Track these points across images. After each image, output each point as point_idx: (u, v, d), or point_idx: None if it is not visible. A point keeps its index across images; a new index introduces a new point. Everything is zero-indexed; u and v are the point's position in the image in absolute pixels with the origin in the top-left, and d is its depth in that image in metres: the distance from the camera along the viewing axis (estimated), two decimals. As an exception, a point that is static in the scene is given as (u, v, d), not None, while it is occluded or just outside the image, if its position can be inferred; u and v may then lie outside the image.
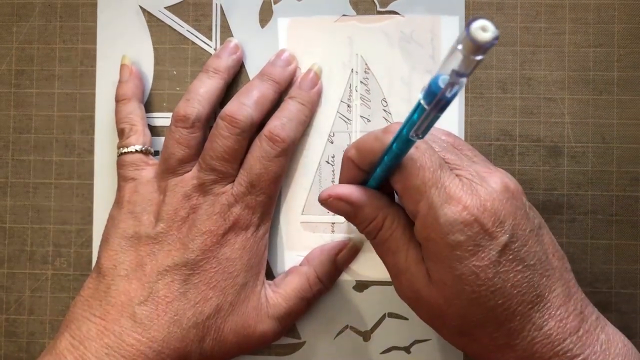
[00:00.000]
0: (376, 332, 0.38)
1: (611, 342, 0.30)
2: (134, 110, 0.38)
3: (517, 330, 0.30)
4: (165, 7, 0.40)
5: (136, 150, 0.37)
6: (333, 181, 0.39)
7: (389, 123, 0.38)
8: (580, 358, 0.29)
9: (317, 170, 0.39)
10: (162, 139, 0.39)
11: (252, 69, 0.39)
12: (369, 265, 0.38)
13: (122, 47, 0.40)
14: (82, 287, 0.35)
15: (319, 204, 0.38)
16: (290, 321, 0.37)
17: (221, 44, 0.39)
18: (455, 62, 0.24)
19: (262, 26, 0.39)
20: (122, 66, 0.39)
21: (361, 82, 0.39)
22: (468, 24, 0.22)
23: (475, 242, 0.29)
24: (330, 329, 0.38)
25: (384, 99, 0.39)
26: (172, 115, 0.36)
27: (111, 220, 0.36)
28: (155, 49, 0.40)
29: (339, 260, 0.38)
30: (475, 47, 0.23)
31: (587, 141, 0.38)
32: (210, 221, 0.35)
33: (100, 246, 0.36)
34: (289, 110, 0.37)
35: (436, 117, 0.26)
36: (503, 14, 0.38)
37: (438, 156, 0.30)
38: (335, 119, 0.39)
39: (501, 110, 0.38)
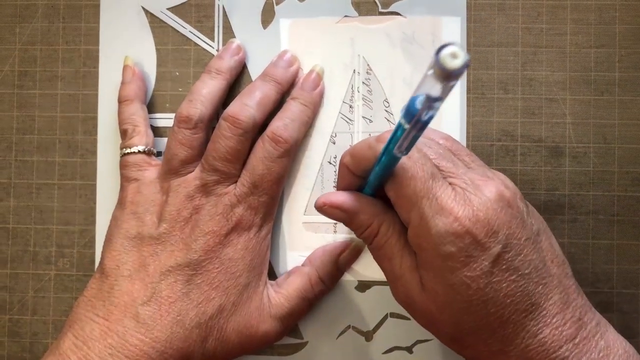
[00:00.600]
0: (378, 332, 0.38)
1: (611, 348, 0.30)
2: (136, 111, 0.38)
3: (511, 337, 0.30)
4: (167, 8, 0.40)
5: (139, 151, 0.37)
6: (335, 182, 0.39)
7: (391, 124, 0.39)
8: None
9: (319, 171, 0.39)
10: (165, 139, 0.39)
11: (255, 70, 0.39)
12: (371, 266, 0.38)
13: (125, 48, 0.40)
14: (85, 288, 0.35)
15: (321, 205, 0.38)
16: (293, 321, 0.37)
17: (223, 45, 0.39)
18: (428, 86, 0.24)
19: (265, 27, 0.39)
20: (125, 67, 0.39)
21: (363, 82, 0.39)
22: (438, 50, 0.22)
23: (467, 253, 0.29)
24: (332, 329, 0.39)
25: (385, 100, 0.39)
26: (175, 116, 0.36)
27: (114, 220, 0.36)
28: (157, 50, 0.40)
29: (341, 260, 0.38)
30: (445, 74, 0.22)
31: (588, 141, 0.38)
32: (213, 222, 0.35)
33: (103, 247, 0.36)
34: (292, 111, 0.37)
35: (417, 136, 0.27)
36: (504, 15, 0.38)
37: (431, 165, 0.30)
38: (338, 119, 0.39)
39: (503, 111, 0.38)
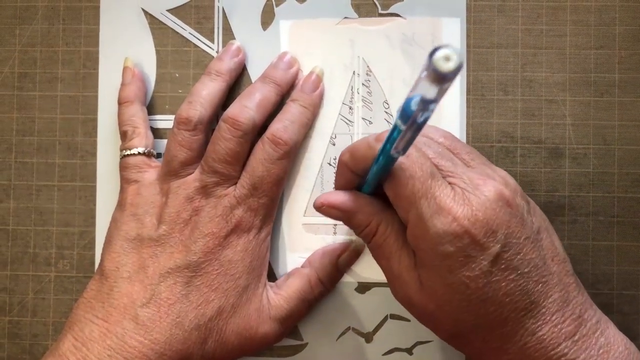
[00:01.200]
0: (378, 333, 0.38)
1: (611, 345, 0.30)
2: (136, 113, 0.38)
3: (510, 335, 0.30)
4: (167, 10, 0.40)
5: (139, 153, 0.37)
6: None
7: (390, 125, 0.38)
8: None
9: (319, 172, 0.39)
10: (165, 141, 0.39)
11: (254, 72, 0.39)
12: (371, 267, 0.38)
13: (125, 50, 0.40)
14: (84, 289, 0.35)
15: (321, 206, 0.38)
16: (292, 323, 0.37)
17: (223, 46, 0.39)
18: (423, 89, 0.24)
19: (264, 29, 0.39)
20: (125, 69, 0.39)
21: (363, 84, 0.39)
22: (431, 53, 0.22)
23: (465, 253, 0.29)
24: (332, 330, 0.39)
25: (385, 101, 0.39)
26: (175, 118, 0.36)
27: (114, 222, 0.36)
28: (157, 52, 0.40)
29: (341, 262, 0.38)
30: (439, 77, 0.22)
31: (588, 143, 0.38)
32: (212, 223, 0.35)
33: (103, 248, 0.36)
34: (291, 113, 0.37)
35: (414, 136, 0.27)
36: (504, 16, 0.38)
37: (430, 164, 0.30)
38: (337, 121, 0.39)
39: (502, 112, 0.38)
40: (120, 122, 0.38)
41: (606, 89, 0.38)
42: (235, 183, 0.36)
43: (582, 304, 0.31)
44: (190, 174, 0.36)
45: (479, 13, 0.38)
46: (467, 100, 0.38)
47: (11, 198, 0.40)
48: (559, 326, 0.30)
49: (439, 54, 0.22)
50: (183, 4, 0.40)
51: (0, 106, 0.40)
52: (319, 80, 0.38)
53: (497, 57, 0.38)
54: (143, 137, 0.38)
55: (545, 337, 0.29)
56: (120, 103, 0.38)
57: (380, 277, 0.38)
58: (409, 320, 0.38)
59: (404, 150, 0.28)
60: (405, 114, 0.25)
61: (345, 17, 0.39)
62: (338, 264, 0.38)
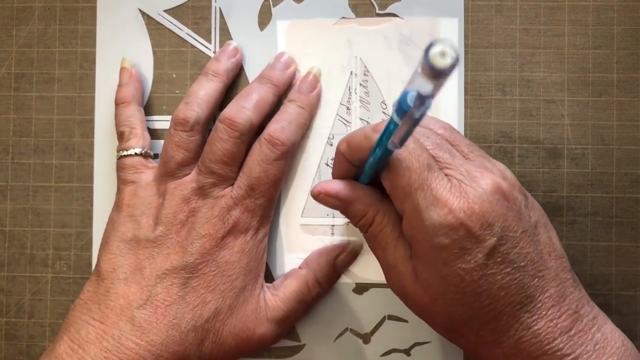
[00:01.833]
0: (376, 334, 0.38)
1: (608, 341, 0.30)
2: (133, 114, 0.38)
3: (504, 329, 0.30)
4: (164, 10, 0.40)
5: (136, 154, 0.37)
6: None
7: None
8: (570, 357, 0.29)
9: (316, 173, 0.39)
10: (162, 142, 0.39)
11: (252, 72, 0.39)
12: (369, 268, 0.38)
13: (122, 50, 0.40)
14: (81, 291, 0.35)
15: (318, 207, 0.38)
16: (289, 324, 0.37)
17: (220, 47, 0.39)
18: (419, 84, 0.23)
19: (262, 29, 0.39)
20: (122, 69, 0.39)
21: (360, 84, 0.39)
22: (427, 48, 0.22)
23: (461, 246, 0.29)
24: (330, 331, 0.38)
25: (383, 102, 0.39)
26: (172, 119, 0.36)
27: (110, 223, 0.36)
28: (154, 52, 0.40)
29: (338, 263, 0.38)
30: (434, 74, 0.22)
31: (586, 143, 0.38)
32: (209, 224, 0.35)
33: (100, 249, 0.36)
34: (289, 114, 0.37)
35: (410, 131, 0.26)
36: (502, 16, 0.38)
37: (427, 156, 0.30)
38: (335, 121, 0.39)
39: (501, 112, 0.38)
40: (117, 123, 0.38)
41: (604, 89, 0.38)
42: (232, 184, 0.36)
43: (579, 300, 0.31)
44: (187, 174, 0.36)
45: (477, 13, 0.38)
46: (465, 100, 0.38)
47: (8, 199, 0.40)
48: (554, 321, 0.29)
49: (434, 50, 0.22)
50: (180, 5, 0.40)
51: (-3, 107, 0.40)
52: (317, 80, 0.38)
53: (495, 57, 0.38)
54: (140, 137, 0.38)
55: (540, 331, 0.29)
56: (117, 104, 0.38)
57: (378, 278, 0.38)
58: (406, 321, 0.38)
59: (401, 143, 0.28)
60: (401, 108, 0.25)
61: (343, 17, 0.39)
62: (335, 265, 0.38)
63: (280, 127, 0.36)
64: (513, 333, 0.30)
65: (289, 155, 0.37)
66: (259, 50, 0.39)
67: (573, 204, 0.38)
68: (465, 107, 0.38)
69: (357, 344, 0.38)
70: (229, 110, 0.36)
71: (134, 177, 0.37)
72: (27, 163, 0.40)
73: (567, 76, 0.38)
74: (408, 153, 0.30)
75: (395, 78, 0.39)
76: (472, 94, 0.38)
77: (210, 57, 0.39)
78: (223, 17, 0.40)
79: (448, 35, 0.38)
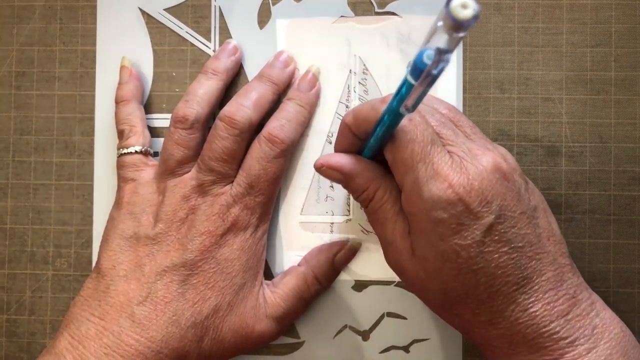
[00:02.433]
0: (375, 331, 0.38)
1: (607, 326, 0.30)
2: (133, 112, 0.38)
3: (500, 309, 0.30)
4: (164, 9, 0.40)
5: (136, 151, 0.37)
6: (332, 182, 0.39)
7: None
8: (567, 341, 0.29)
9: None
10: (162, 140, 0.39)
11: (251, 70, 0.39)
12: (368, 265, 0.38)
13: (122, 49, 0.40)
14: (81, 287, 0.35)
15: (317, 205, 0.38)
16: (289, 321, 0.37)
17: (220, 45, 0.40)
18: (438, 39, 0.23)
19: (261, 27, 0.40)
20: (122, 68, 0.39)
21: (359, 82, 0.39)
22: (447, 1, 0.22)
23: (458, 221, 0.29)
24: (329, 328, 0.39)
25: (382, 100, 0.39)
26: (171, 117, 0.36)
27: (111, 220, 0.36)
28: (154, 51, 0.40)
29: (337, 260, 0.38)
30: (456, 25, 0.22)
31: (584, 141, 0.38)
32: (208, 222, 0.35)
33: (100, 247, 0.36)
34: (288, 112, 0.37)
35: (424, 92, 0.26)
36: (501, 15, 0.38)
37: (431, 131, 0.30)
38: (334, 119, 0.39)
39: (499, 110, 0.38)
40: (118, 121, 0.38)
41: (602, 87, 0.38)
42: (232, 181, 0.36)
43: (577, 286, 0.31)
44: (187, 172, 0.36)
45: (475, 11, 0.38)
46: (464, 98, 0.38)
47: (9, 197, 0.40)
48: (551, 304, 0.29)
49: (455, 2, 0.22)
50: (180, 3, 0.40)
51: (-2, 105, 0.41)
52: (316, 79, 0.39)
53: (494, 56, 0.38)
54: (140, 135, 0.38)
55: (537, 313, 0.29)
56: (118, 102, 0.38)
57: (377, 275, 0.38)
58: (405, 318, 0.38)
59: (414, 107, 0.27)
60: (417, 68, 0.25)
61: (342, 16, 0.39)
62: (334, 262, 0.38)
63: (279, 125, 0.36)
64: (509, 314, 0.30)
65: (288, 153, 0.37)
66: (258, 49, 0.39)
67: (571, 202, 0.38)
68: (464, 105, 0.38)
69: (356, 341, 0.38)
70: (229, 109, 0.36)
71: (134, 174, 0.37)
72: (28, 161, 0.40)
73: (566, 74, 0.38)
74: (413, 126, 0.30)
75: (394, 76, 0.39)
76: (471, 92, 0.38)
77: (210, 55, 0.40)
78: (223, 16, 0.40)
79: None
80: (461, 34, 0.23)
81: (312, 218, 0.39)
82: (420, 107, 0.31)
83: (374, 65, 0.39)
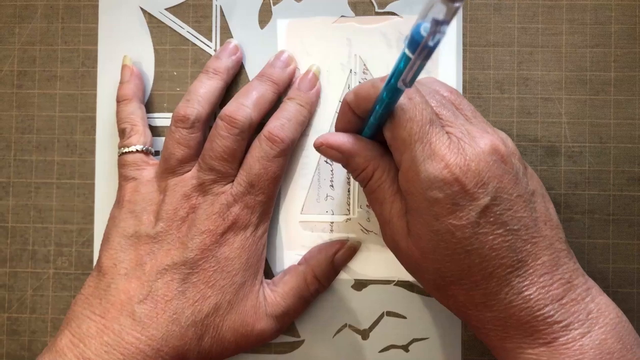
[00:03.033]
0: (375, 330, 0.39)
1: (602, 312, 0.30)
2: (134, 111, 0.38)
3: (494, 291, 0.30)
4: (165, 9, 0.40)
5: (137, 150, 0.37)
6: (332, 181, 0.39)
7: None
8: (561, 325, 0.29)
9: (316, 170, 0.39)
10: (163, 139, 0.39)
11: (252, 70, 0.39)
12: (368, 264, 0.39)
13: (123, 48, 0.40)
14: (82, 286, 0.35)
15: (318, 204, 0.38)
16: (289, 320, 0.37)
17: (221, 45, 0.40)
18: (434, 10, 0.23)
19: (262, 27, 0.40)
20: (123, 67, 0.39)
21: (360, 82, 0.39)
22: None
23: (454, 201, 0.29)
24: (329, 327, 0.39)
25: (382, 100, 0.39)
26: (172, 116, 0.36)
27: (112, 219, 0.37)
28: (155, 50, 0.40)
29: (337, 259, 0.38)
30: None
31: (584, 141, 0.38)
32: (209, 221, 0.35)
33: (101, 245, 0.36)
34: (288, 111, 0.37)
35: (422, 66, 0.26)
36: (500, 15, 0.38)
37: (431, 111, 0.30)
38: (334, 119, 0.39)
39: (499, 111, 0.38)
40: (119, 120, 0.38)
41: (602, 87, 0.38)
42: (232, 181, 0.36)
43: (573, 271, 0.31)
44: (188, 171, 0.36)
45: (475, 12, 0.39)
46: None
47: (10, 195, 0.40)
48: (546, 288, 0.30)
49: None
50: (181, 3, 0.40)
51: (0, 104, 0.41)
52: (316, 78, 0.39)
53: (494, 56, 0.38)
54: (141, 134, 0.38)
55: (531, 297, 0.29)
56: (119, 101, 0.39)
57: (377, 274, 0.38)
58: (405, 317, 0.38)
59: (411, 82, 0.28)
60: (415, 40, 0.25)
61: (342, 16, 0.39)
62: (334, 261, 0.38)
63: (279, 124, 0.36)
64: (503, 297, 0.30)
65: (288, 153, 0.37)
66: (259, 49, 0.40)
67: (570, 202, 0.38)
68: (464, 105, 0.38)
69: (355, 340, 0.39)
70: (229, 108, 0.36)
71: (135, 173, 0.37)
72: (29, 160, 0.40)
73: (565, 74, 0.38)
74: (413, 105, 0.30)
75: (394, 76, 0.39)
76: (471, 92, 0.39)
77: (210, 55, 0.40)
78: (224, 16, 0.40)
79: (446, 33, 0.38)
80: (457, 4, 0.23)
81: (312, 217, 0.39)
82: (422, 88, 0.31)
83: (375, 65, 0.39)
